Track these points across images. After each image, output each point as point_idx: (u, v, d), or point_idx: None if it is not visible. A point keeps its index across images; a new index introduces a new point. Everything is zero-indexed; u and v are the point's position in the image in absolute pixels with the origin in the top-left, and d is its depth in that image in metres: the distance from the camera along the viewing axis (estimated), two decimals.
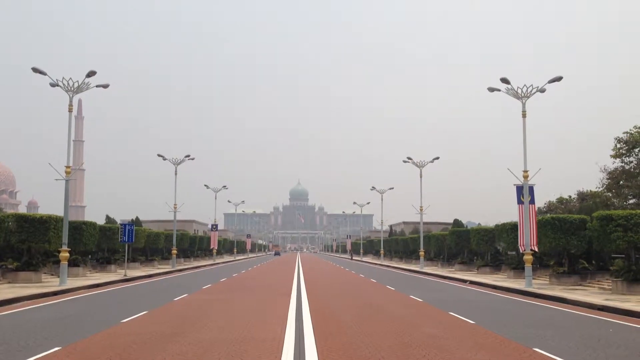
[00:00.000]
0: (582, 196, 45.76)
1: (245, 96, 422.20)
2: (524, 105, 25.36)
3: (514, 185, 25.20)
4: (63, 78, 26.10)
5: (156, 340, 10.56)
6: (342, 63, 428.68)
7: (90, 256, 38.50)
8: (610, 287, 22.35)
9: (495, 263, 37.23)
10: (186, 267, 47.39)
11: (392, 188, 69.76)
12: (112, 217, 46.32)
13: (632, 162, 36.66)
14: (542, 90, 25.42)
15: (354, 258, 72.33)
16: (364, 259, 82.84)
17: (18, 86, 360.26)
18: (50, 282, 25.46)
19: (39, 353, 9.22)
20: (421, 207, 46.68)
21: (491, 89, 26.68)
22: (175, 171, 46.38)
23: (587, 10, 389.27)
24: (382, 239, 71.78)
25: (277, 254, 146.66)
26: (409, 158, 47.09)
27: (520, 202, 24.83)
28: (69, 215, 26.09)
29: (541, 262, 32.09)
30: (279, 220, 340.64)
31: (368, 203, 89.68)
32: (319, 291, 22.92)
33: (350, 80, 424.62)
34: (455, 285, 27.68)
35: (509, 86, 25.48)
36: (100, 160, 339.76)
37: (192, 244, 63.21)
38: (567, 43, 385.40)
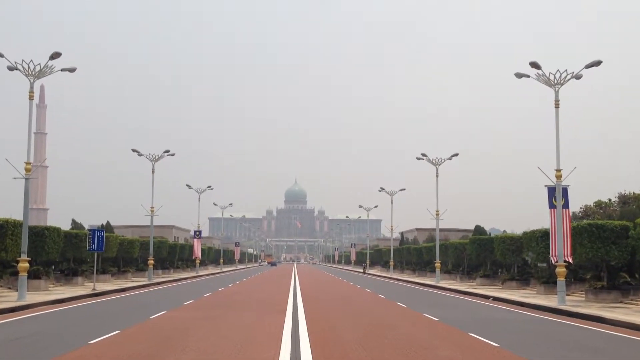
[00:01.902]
0: (624, 199, 45.72)
1: (233, 86, 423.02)
2: (557, 93, 25.34)
3: (545, 186, 25.17)
4: (23, 61, 26.09)
5: None
6: (346, 48, 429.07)
7: (53, 267, 38.47)
8: None
9: (523, 276, 37.21)
10: (165, 279, 47.39)
11: (404, 189, 69.71)
12: (79, 221, 46.28)
13: None
14: (578, 77, 25.38)
15: (367, 272, 70.20)
16: (371, 271, 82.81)
17: None
18: (6, 297, 25.43)
19: None
20: (437, 211, 46.67)
21: (519, 75, 26.64)
22: (153, 169, 46.38)
23: None
24: (391, 248, 71.79)
25: (273, 264, 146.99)
26: (424, 155, 47.05)
27: (552, 205, 24.82)
28: (30, 220, 26.07)
29: (576, 276, 32.05)
30: (273, 225, 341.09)
31: (376, 206, 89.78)
32: (318, 308, 22.90)
33: (355, 67, 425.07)
34: (476, 301, 27.66)
35: (540, 71, 25.45)
36: (66, 156, 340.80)
37: (171, 253, 63.23)
38: (607, 23, 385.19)
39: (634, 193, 44.89)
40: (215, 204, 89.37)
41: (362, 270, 74.80)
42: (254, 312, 21.22)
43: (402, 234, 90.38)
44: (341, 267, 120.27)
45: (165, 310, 21.02)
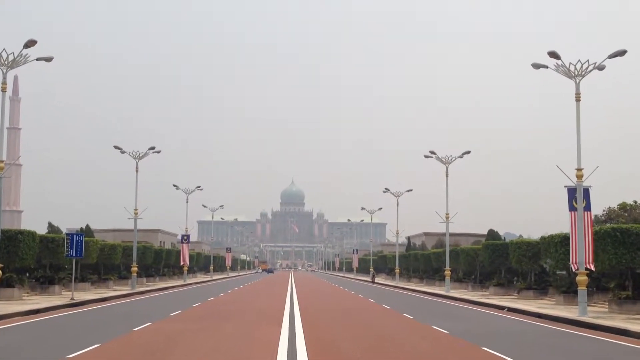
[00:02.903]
0: None
1: (224, 78, 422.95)
2: (577, 85, 25.33)
3: (565, 187, 25.14)
4: None
5: None
6: (348, 37, 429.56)
7: (28, 274, 38.38)
8: None
9: (541, 285, 37.22)
10: (150, 288, 47.37)
11: (411, 190, 69.82)
12: (56, 225, 46.22)
13: None
14: (601, 68, 25.38)
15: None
16: (375, 279, 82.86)
17: None
18: None
19: None
20: (447, 214, 46.66)
21: (537, 66, 26.63)
22: (137, 167, 46.34)
23: None
24: (397, 254, 71.79)
25: (269, 271, 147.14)
26: (432, 152, 47.03)
27: (572, 208, 24.79)
28: (2, 223, 26.04)
29: (598, 285, 32.04)
30: (267, 229, 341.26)
31: (380, 209, 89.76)
32: (317, 319, 22.89)
33: (358, 60, 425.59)
34: (490, 312, 27.67)
35: (559, 62, 25.44)
36: (42, 153, 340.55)
37: (157, 260, 63.19)
38: (632, 9, 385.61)
39: None
40: (204, 206, 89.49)
41: (370, 280, 73.34)
42: (247, 324, 21.18)
43: (408, 238, 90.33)
44: (342, 274, 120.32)
45: (151, 322, 20.97)
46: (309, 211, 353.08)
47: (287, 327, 19.69)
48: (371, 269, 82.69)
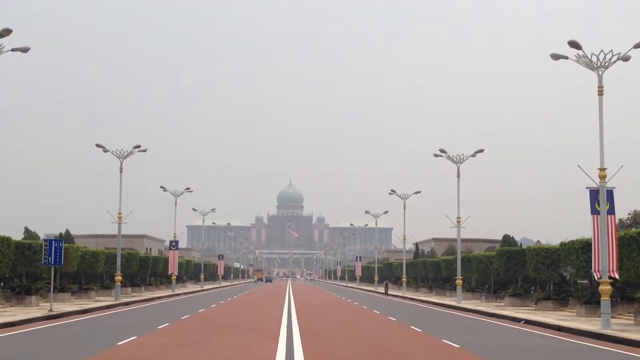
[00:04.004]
0: None
1: (216, 70, 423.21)
2: (600, 78, 25.34)
3: (587, 188, 25.15)
4: None
5: None
6: (351, 25, 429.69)
7: (2, 284, 38.37)
8: None
9: (561, 295, 37.22)
10: (135, 299, 47.39)
11: (419, 192, 69.74)
12: (32, 230, 46.23)
13: None
14: (626, 58, 25.41)
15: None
16: (379, 288, 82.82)
17: None
18: None
19: None
20: (458, 218, 46.66)
21: (556, 56, 26.66)
22: (121, 167, 46.34)
23: None
24: (404, 262, 71.75)
25: (268, 280, 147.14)
26: (442, 151, 47.05)
27: (594, 211, 24.79)
28: None
29: (623, 295, 32.02)
30: (263, 235, 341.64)
31: (385, 212, 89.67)
32: (317, 333, 22.91)
33: (359, 47, 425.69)
34: (505, 325, 27.70)
35: (580, 52, 25.46)
36: (16, 152, 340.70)
37: (143, 268, 63.18)
38: None
39: None
40: (194, 210, 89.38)
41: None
42: (242, 338, 21.19)
43: (416, 245, 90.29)
44: (344, 284, 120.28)
45: (136, 336, 20.97)
46: (308, 215, 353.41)
47: (285, 341, 19.70)
48: (376, 279, 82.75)
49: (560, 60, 26.51)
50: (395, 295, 61.96)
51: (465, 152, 46.59)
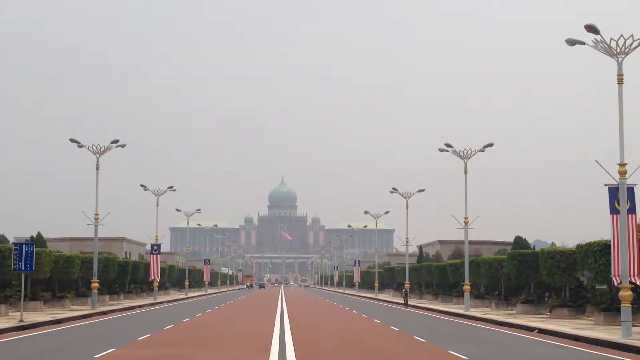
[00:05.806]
0: None
1: (203, 60, 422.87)
2: (620, 65, 25.34)
3: (605, 185, 25.17)
4: None
5: None
6: (349, 22, 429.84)
7: None
8: None
9: (577, 302, 37.26)
10: (113, 307, 47.35)
11: (423, 190, 69.71)
12: (1, 233, 46.21)
13: None
14: None
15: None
16: (380, 295, 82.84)
17: None
18: None
19: None
20: (466, 218, 46.66)
21: (571, 42, 26.66)
22: (97, 164, 46.24)
23: None
24: (407, 266, 71.80)
25: (261, 286, 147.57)
26: (448, 145, 46.98)
27: (614, 210, 24.82)
28: None
29: None
30: (253, 238, 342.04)
31: (387, 213, 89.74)
32: (313, 345, 22.91)
33: (359, 43, 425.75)
34: (517, 334, 27.71)
35: (598, 37, 25.47)
36: None
37: (122, 274, 63.09)
38: None
39: None
40: (178, 210, 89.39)
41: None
42: (230, 350, 21.21)
43: (420, 247, 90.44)
44: (341, 290, 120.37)
45: (114, 348, 20.94)
46: (302, 216, 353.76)
47: (277, 352, 19.71)
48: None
49: (577, 45, 26.48)
50: (397, 303, 61.99)
51: (473, 147, 46.47)
